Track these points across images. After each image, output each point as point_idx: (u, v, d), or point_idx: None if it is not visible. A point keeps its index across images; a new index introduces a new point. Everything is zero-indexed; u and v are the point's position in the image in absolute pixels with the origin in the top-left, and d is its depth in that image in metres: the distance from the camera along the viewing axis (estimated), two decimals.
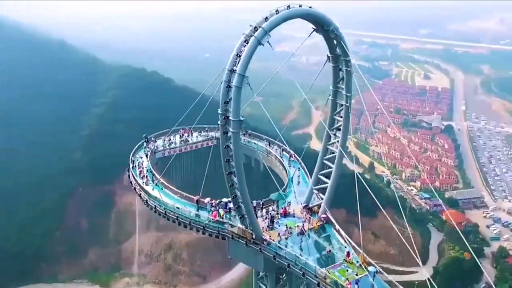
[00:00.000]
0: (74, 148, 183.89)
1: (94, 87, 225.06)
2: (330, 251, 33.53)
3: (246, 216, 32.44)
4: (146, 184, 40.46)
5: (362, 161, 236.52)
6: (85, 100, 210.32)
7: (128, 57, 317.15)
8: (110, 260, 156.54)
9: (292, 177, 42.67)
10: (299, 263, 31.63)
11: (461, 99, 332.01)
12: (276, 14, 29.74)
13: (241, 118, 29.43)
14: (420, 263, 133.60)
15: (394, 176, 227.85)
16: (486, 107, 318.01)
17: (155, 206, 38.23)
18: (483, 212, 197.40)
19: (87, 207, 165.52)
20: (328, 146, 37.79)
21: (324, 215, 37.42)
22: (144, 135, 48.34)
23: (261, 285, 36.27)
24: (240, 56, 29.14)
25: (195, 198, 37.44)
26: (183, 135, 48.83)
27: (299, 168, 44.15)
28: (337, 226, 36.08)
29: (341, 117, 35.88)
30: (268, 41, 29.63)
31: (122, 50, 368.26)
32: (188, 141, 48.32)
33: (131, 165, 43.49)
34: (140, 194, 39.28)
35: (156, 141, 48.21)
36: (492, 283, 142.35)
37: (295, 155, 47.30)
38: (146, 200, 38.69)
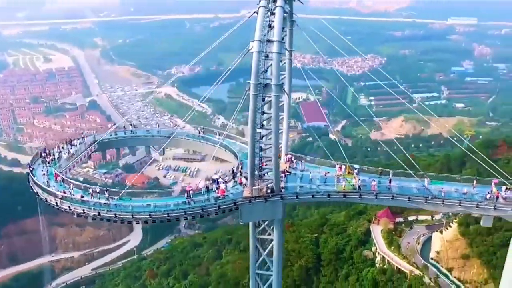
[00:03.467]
0: None
1: None
2: (328, 173, 39.03)
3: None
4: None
5: (24, 162, 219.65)
6: None
7: None
8: None
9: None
10: (320, 190, 36.99)
11: (90, 74, 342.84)
12: None
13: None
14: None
15: None
16: (114, 75, 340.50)
17: (150, 214, 33.95)
18: (156, 166, 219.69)
19: None
20: None
21: (289, 155, 41.95)
22: (28, 163, 39.66)
23: (264, 237, 37.89)
24: (271, 26, 31.23)
25: (188, 188, 35.95)
26: (59, 151, 41.22)
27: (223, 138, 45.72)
28: (308, 158, 42.42)
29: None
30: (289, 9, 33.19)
31: None
32: (74, 154, 41.66)
33: (54, 201, 33.87)
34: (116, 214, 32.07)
35: (46, 165, 38.55)
36: None
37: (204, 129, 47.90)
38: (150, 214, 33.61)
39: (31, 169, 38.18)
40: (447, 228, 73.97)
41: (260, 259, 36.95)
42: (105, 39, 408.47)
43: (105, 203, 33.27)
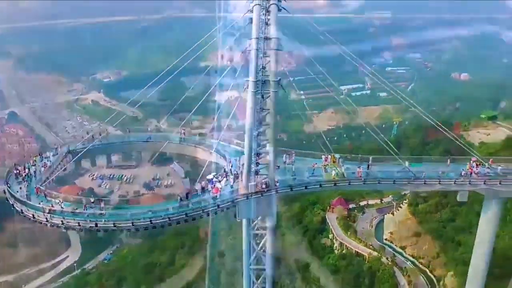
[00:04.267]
0: None
1: None
2: (315, 164, 40.69)
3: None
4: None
5: None
6: None
7: None
8: None
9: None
10: (312, 181, 38.33)
11: (7, 85, 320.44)
12: None
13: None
14: None
15: None
16: (34, 84, 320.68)
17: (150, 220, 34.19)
18: (89, 176, 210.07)
19: None
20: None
21: None
22: (4, 180, 36.46)
23: (257, 232, 38.07)
24: (268, 24, 32.28)
25: (186, 190, 35.12)
26: (34, 164, 38.77)
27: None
28: (293, 151, 42.75)
29: None
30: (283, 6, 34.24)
31: None
32: (50, 166, 39.80)
33: (44, 216, 31.05)
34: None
35: (24, 181, 35.72)
36: None
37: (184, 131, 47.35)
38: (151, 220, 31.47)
39: (8, 186, 35.15)
40: (397, 210, 78.17)
41: (254, 254, 36.98)
42: (19, 46, 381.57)
43: (100, 213, 31.59)
